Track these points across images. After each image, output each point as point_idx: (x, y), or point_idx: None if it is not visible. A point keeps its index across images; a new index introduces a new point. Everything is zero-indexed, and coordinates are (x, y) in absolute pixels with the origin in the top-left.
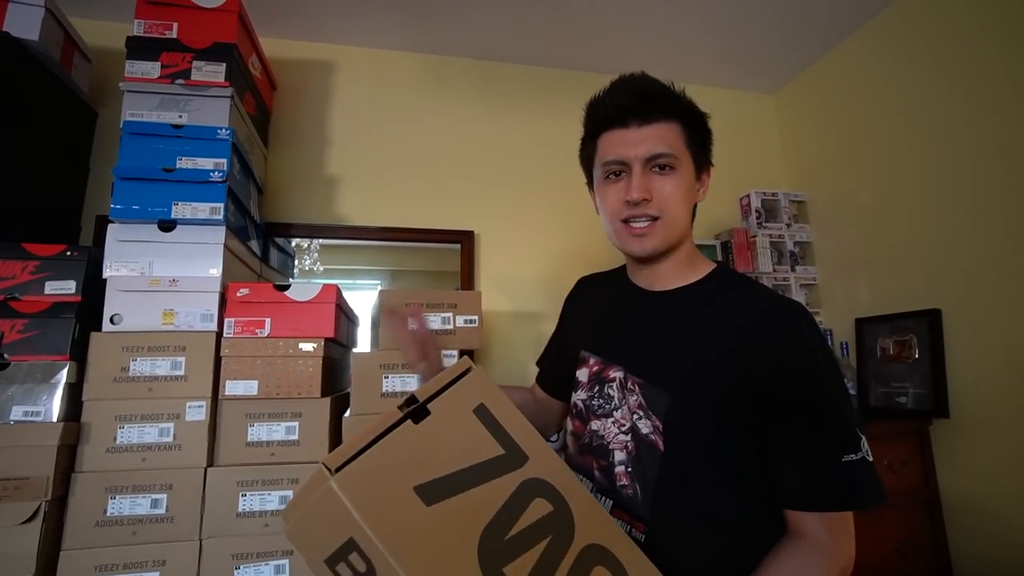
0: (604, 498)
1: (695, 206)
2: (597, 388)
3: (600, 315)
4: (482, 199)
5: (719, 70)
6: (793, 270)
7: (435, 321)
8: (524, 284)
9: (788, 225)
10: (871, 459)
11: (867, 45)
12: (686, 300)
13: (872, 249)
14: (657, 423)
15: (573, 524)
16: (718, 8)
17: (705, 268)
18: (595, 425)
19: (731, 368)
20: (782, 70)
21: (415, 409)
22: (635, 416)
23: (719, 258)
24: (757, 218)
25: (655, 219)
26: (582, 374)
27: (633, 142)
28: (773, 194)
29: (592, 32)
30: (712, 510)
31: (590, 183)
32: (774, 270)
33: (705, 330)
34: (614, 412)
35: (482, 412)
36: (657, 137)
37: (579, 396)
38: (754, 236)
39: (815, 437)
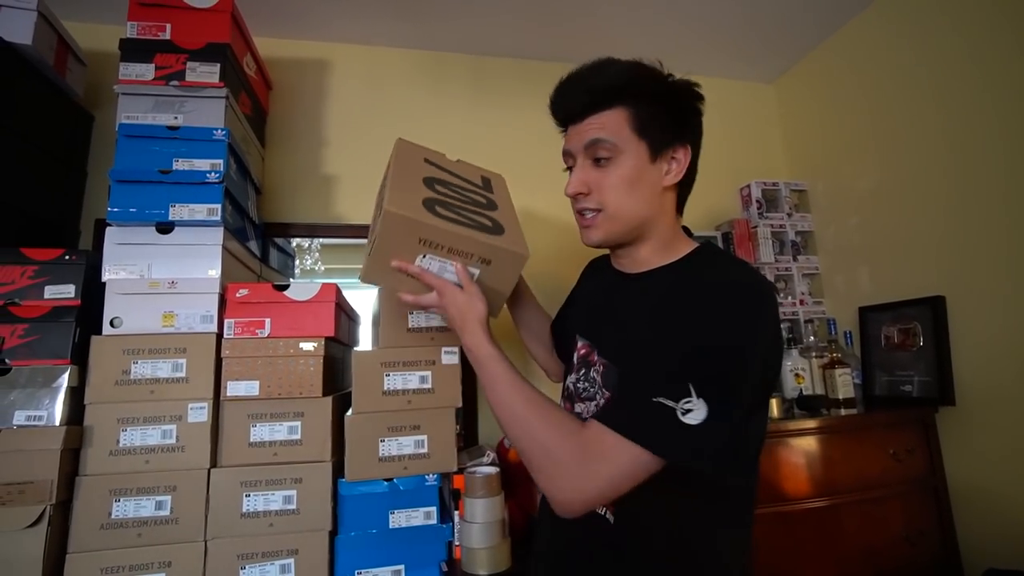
0: None
1: (683, 187)
2: (583, 371)
3: (591, 299)
4: None
5: (717, 60)
6: (795, 260)
7: (435, 318)
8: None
9: (789, 215)
10: (693, 423)
11: (866, 31)
12: (656, 280)
13: (874, 237)
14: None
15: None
16: None
17: (685, 248)
18: (579, 408)
19: (667, 344)
20: (780, 58)
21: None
22: (599, 396)
23: None
24: (758, 208)
25: (597, 211)
26: (574, 356)
27: (576, 133)
28: (774, 184)
29: (587, 25)
30: (671, 499)
31: None
32: (776, 260)
33: (655, 305)
34: (596, 395)
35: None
36: (596, 127)
37: (570, 379)
38: (755, 226)
39: (649, 363)
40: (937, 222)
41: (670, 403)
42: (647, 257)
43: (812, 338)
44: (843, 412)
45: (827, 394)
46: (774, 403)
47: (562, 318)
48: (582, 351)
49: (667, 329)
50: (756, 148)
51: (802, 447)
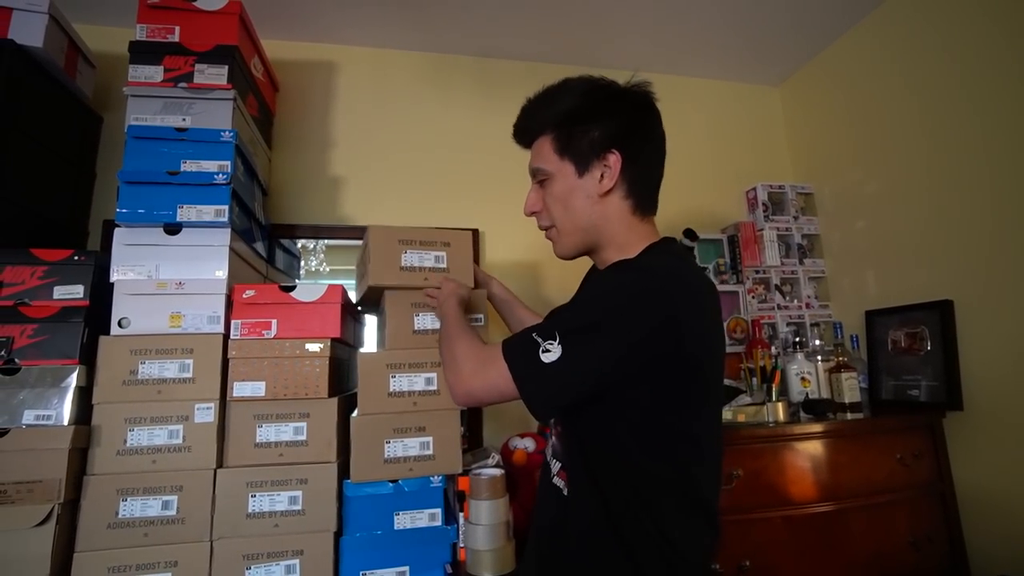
0: (556, 462)
1: (629, 188)
2: None
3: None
4: (486, 197)
5: (722, 63)
6: (801, 263)
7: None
8: (529, 281)
9: (795, 218)
10: (545, 360)
11: (873, 33)
12: (600, 273)
13: (881, 241)
14: None
15: None
16: (720, 1)
17: (640, 247)
18: None
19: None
20: (787, 61)
21: None
22: None
23: (724, 253)
24: (764, 211)
25: (549, 227)
26: None
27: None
28: (780, 187)
29: (593, 27)
30: (592, 473)
31: None
32: (781, 263)
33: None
34: None
35: None
36: (534, 155)
37: None
38: (761, 229)
39: (546, 317)
40: (946, 226)
41: (538, 339)
42: (609, 257)
43: (818, 342)
44: (849, 416)
45: (833, 398)
46: (780, 406)
47: None
48: None
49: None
50: (762, 151)
51: (808, 451)
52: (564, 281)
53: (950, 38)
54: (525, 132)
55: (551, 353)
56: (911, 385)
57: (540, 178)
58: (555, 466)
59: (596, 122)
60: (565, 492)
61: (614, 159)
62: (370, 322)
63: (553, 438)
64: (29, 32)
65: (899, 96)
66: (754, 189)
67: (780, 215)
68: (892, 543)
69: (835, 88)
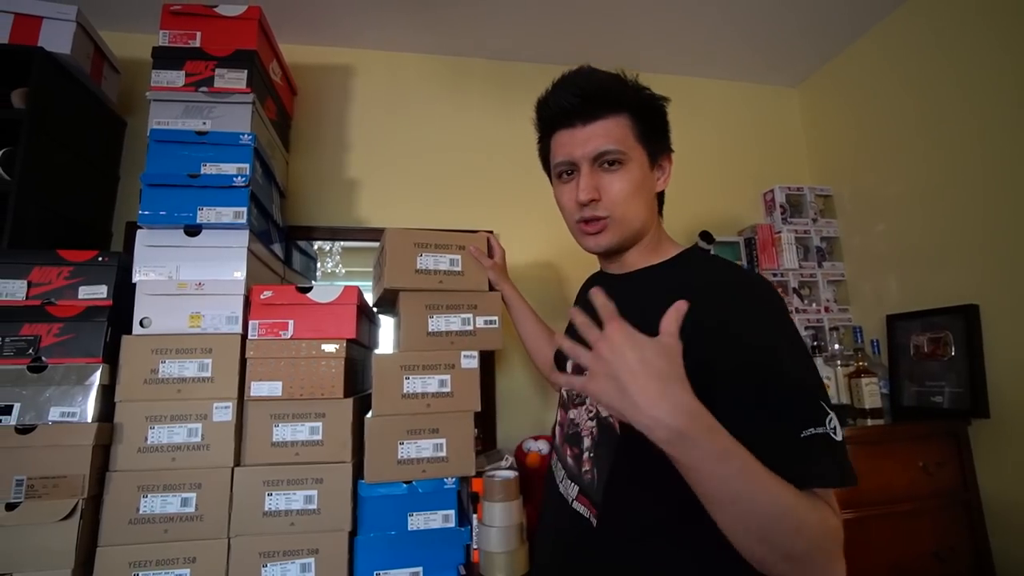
0: (572, 484)
1: (662, 193)
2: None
3: (583, 307)
4: (501, 199)
5: (740, 63)
6: (820, 266)
7: (455, 322)
8: (544, 283)
9: (814, 220)
10: (839, 438)
11: (895, 32)
12: (646, 279)
13: (903, 243)
14: None
15: None
16: (737, 2)
17: (673, 250)
18: (572, 414)
19: (751, 368)
20: (805, 62)
21: None
22: None
23: (742, 256)
24: (782, 213)
25: (606, 219)
26: (567, 365)
27: (580, 141)
28: (798, 189)
29: (609, 28)
30: (660, 513)
31: (551, 179)
32: (800, 267)
33: (656, 305)
34: (587, 399)
35: None
36: (603, 134)
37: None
38: (779, 232)
39: (767, 411)
40: (970, 229)
41: (820, 430)
42: (634, 260)
43: (838, 346)
44: (870, 422)
45: (853, 404)
46: None
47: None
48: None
49: (732, 349)
50: (779, 152)
51: None
52: (579, 283)
53: (974, 38)
54: (600, 99)
55: (835, 423)
56: (934, 391)
57: (608, 159)
58: (571, 488)
59: (661, 122)
60: (593, 523)
61: (668, 162)
62: (386, 324)
63: (569, 459)
64: (58, 39)
65: (921, 95)
66: (771, 191)
67: (798, 217)
68: (914, 553)
69: (855, 88)
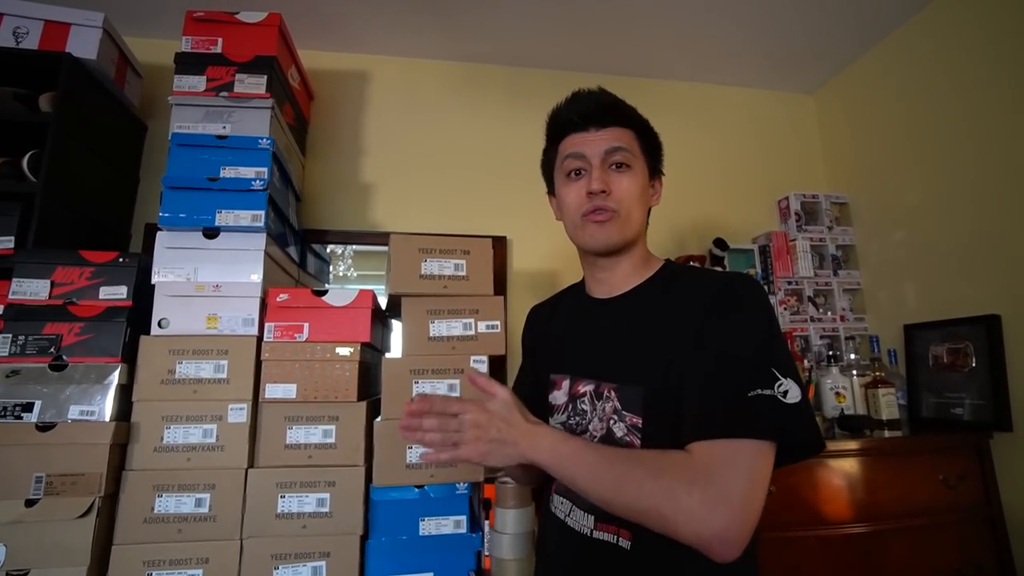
0: (586, 514)
1: (649, 210)
2: (571, 407)
3: (562, 336)
4: (514, 204)
5: (755, 71)
6: (836, 274)
7: (456, 327)
8: (557, 288)
9: (830, 228)
10: (789, 402)
11: (914, 38)
12: (642, 297)
13: (921, 252)
14: (634, 420)
15: None
16: (753, 8)
17: (656, 264)
18: None
19: (723, 343)
20: (821, 68)
21: None
22: (610, 421)
23: (756, 263)
24: (796, 221)
25: (614, 212)
26: (555, 397)
27: (593, 140)
28: (813, 196)
29: (624, 36)
30: None
31: (551, 191)
32: (815, 274)
33: (665, 317)
34: (588, 426)
35: None
36: (614, 136)
37: (558, 419)
38: (793, 240)
39: (724, 369)
40: (991, 238)
41: (767, 391)
42: (626, 274)
43: (854, 355)
44: (887, 434)
45: (870, 414)
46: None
47: (524, 374)
48: (565, 386)
49: (711, 331)
50: (795, 159)
51: (843, 469)
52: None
53: (994, 43)
54: (614, 110)
55: (791, 392)
56: (954, 403)
57: (618, 160)
58: (585, 519)
59: (657, 146)
60: (626, 546)
61: (659, 184)
62: (397, 328)
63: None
64: (84, 46)
65: (940, 102)
66: (786, 198)
67: (813, 225)
68: (935, 568)
69: (872, 95)
